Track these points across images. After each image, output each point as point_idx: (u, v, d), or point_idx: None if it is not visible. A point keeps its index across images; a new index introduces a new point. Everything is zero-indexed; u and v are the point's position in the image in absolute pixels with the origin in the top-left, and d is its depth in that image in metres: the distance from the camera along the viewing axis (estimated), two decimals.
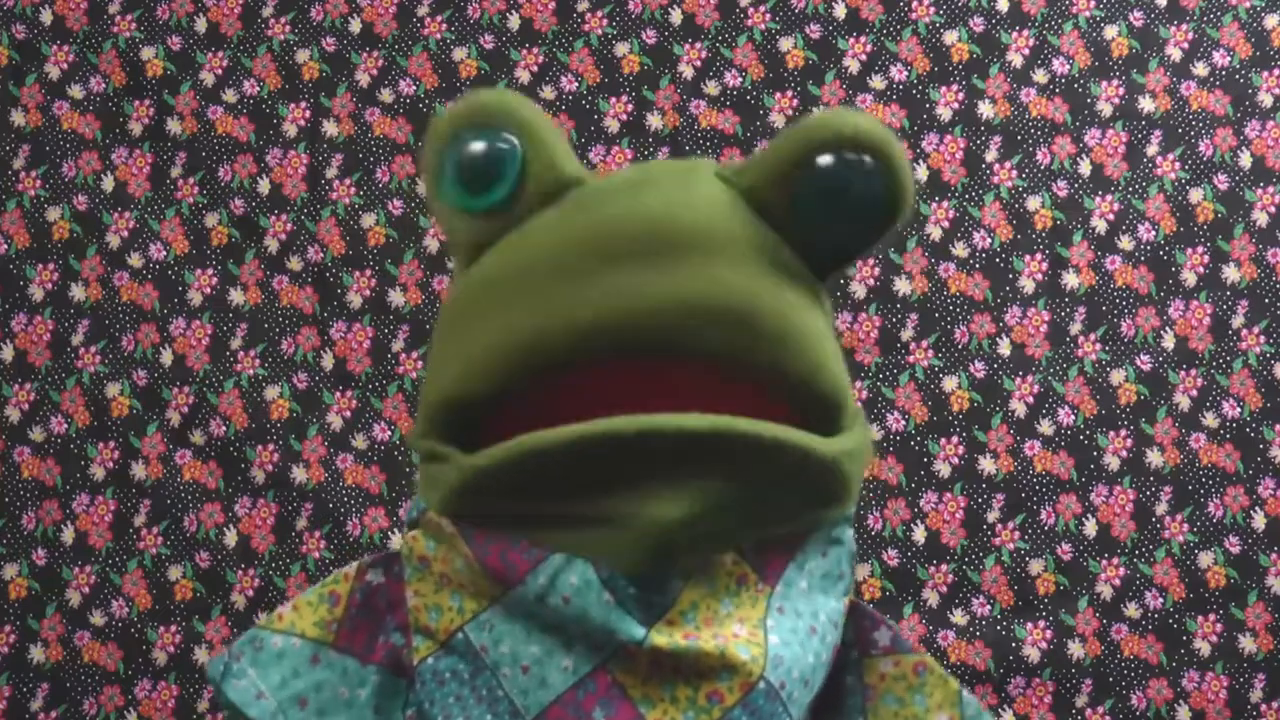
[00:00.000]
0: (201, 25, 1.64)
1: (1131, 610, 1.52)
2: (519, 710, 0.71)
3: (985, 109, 1.61)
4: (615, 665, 0.71)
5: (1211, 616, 1.51)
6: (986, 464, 1.55)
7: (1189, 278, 1.57)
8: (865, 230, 0.72)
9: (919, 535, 1.54)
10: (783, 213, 0.71)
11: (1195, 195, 1.59)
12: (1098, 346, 1.57)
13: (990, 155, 1.60)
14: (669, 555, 0.70)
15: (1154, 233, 1.58)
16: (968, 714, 0.77)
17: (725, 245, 0.69)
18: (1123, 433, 1.55)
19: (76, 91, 1.63)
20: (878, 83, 1.62)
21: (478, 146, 0.71)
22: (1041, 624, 1.52)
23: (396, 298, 1.59)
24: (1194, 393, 1.55)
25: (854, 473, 0.73)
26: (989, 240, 1.59)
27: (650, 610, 0.70)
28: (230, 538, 1.55)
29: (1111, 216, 1.59)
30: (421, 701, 0.73)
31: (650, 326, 0.68)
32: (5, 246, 1.61)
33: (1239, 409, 1.54)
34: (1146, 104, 1.60)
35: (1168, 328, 1.57)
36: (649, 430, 0.66)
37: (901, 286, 1.58)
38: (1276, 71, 1.60)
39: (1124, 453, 1.55)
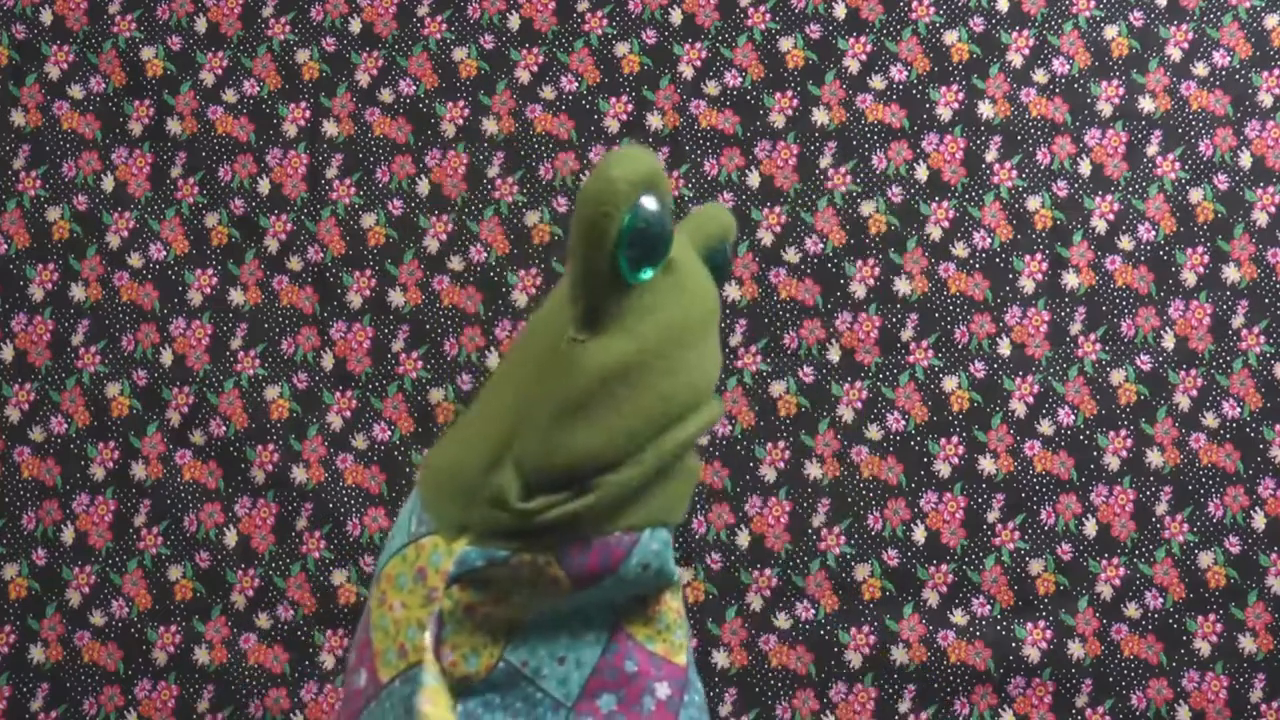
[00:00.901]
0: (201, 25, 1.64)
1: (1131, 610, 1.52)
2: (559, 701, 0.78)
3: (985, 109, 1.61)
4: (624, 621, 0.80)
5: (1211, 616, 1.51)
6: (986, 464, 1.55)
7: (1189, 278, 1.57)
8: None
9: (919, 535, 1.54)
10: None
11: (1195, 195, 1.58)
12: (1098, 346, 1.57)
13: (990, 155, 1.60)
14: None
15: (1154, 233, 1.58)
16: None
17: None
18: (1123, 433, 1.55)
19: (76, 91, 1.63)
20: (878, 83, 1.62)
21: (659, 222, 0.79)
22: (1041, 624, 1.52)
23: (396, 298, 1.59)
24: (1194, 393, 1.55)
25: None
26: (989, 240, 1.59)
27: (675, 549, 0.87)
28: (230, 538, 1.55)
29: (1111, 216, 1.59)
30: None
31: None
32: (5, 246, 1.61)
33: (1239, 409, 1.54)
34: (1146, 104, 1.60)
35: (1168, 328, 1.57)
36: (718, 415, 0.86)
37: (901, 286, 1.58)
38: (1276, 71, 1.60)
39: (1124, 453, 1.55)
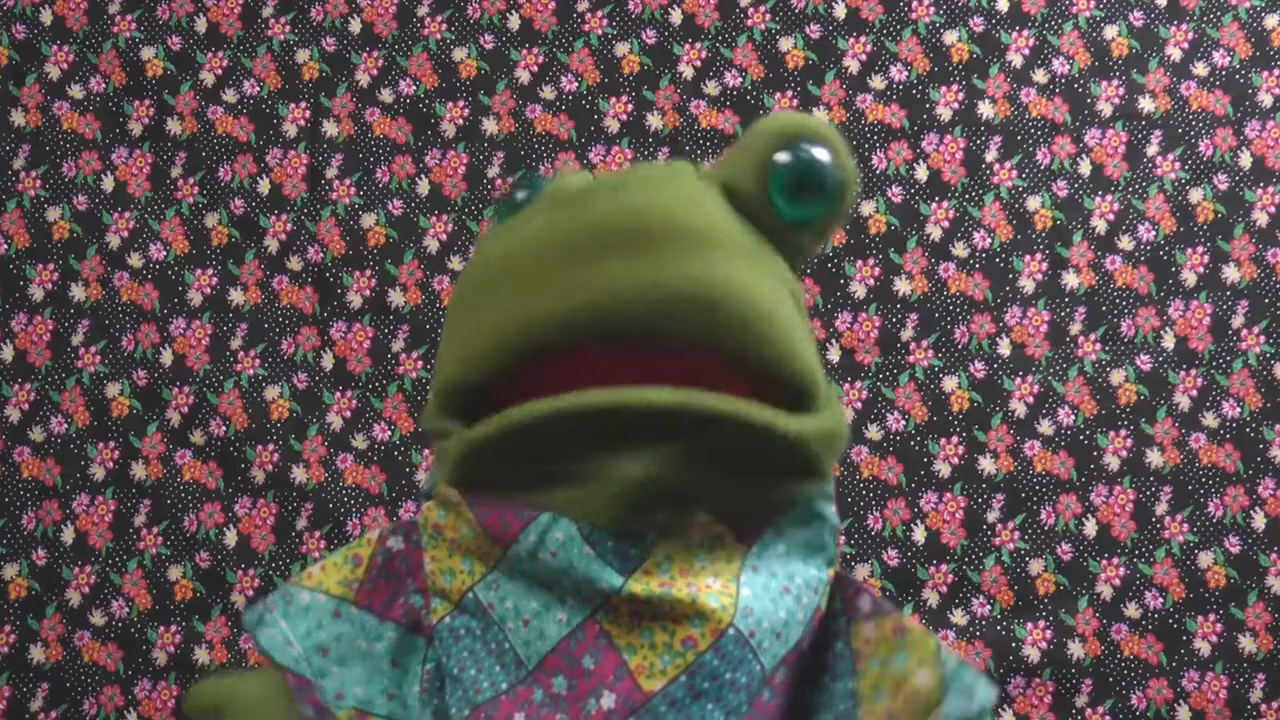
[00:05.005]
0: (201, 25, 1.65)
1: (1131, 610, 1.52)
2: (522, 660, 0.77)
3: (985, 109, 1.61)
4: (603, 616, 0.76)
5: (1211, 616, 1.51)
6: (986, 464, 1.55)
7: (1189, 278, 1.58)
8: (827, 208, 0.82)
9: (919, 535, 1.54)
10: (757, 201, 0.79)
11: (1195, 195, 1.59)
12: (1098, 346, 1.57)
13: (990, 155, 1.60)
14: (640, 509, 0.76)
15: (1154, 233, 1.58)
16: (947, 669, 0.80)
17: (699, 238, 0.76)
18: (1123, 433, 1.55)
19: (76, 91, 1.63)
20: (878, 83, 1.62)
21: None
22: (1041, 624, 1.52)
23: (396, 298, 1.59)
24: (1194, 393, 1.55)
25: (822, 450, 0.79)
26: (989, 240, 1.59)
27: (628, 562, 0.76)
28: (230, 538, 1.55)
29: (1111, 216, 1.59)
30: (440, 656, 0.79)
31: (626, 315, 0.74)
32: (5, 246, 1.61)
33: (1239, 409, 1.54)
34: (1146, 104, 1.60)
35: (1168, 328, 1.57)
36: (618, 404, 0.73)
37: (901, 286, 1.58)
38: (1276, 71, 1.60)
39: (1124, 453, 1.55)
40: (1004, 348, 1.57)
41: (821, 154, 0.80)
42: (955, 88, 1.62)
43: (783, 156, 0.79)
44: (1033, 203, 1.59)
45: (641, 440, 0.74)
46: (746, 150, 0.80)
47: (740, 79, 1.63)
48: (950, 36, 1.63)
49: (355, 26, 1.65)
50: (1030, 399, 1.56)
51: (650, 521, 0.77)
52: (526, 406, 0.74)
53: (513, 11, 1.64)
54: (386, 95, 1.63)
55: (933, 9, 1.63)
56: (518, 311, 0.75)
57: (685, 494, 0.77)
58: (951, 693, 0.78)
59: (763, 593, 0.79)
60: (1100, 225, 1.59)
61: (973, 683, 0.79)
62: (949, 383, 1.57)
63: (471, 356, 0.77)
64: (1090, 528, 1.54)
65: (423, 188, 1.62)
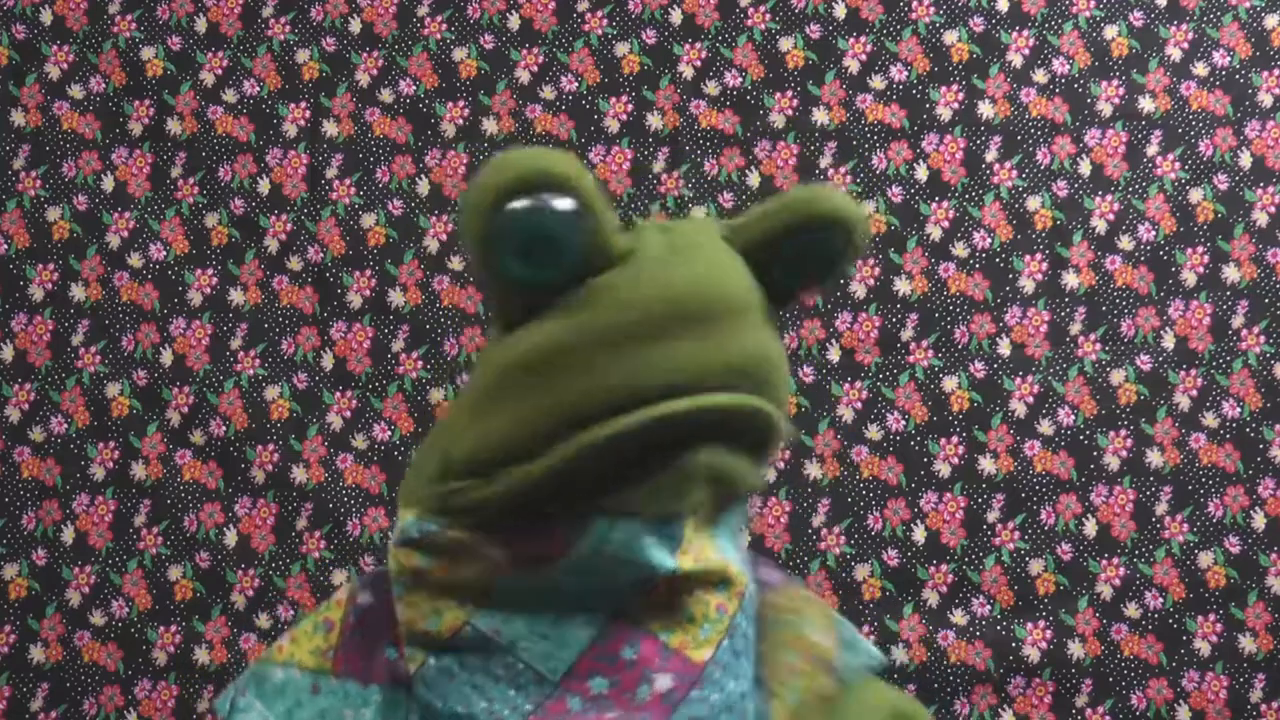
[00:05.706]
0: (201, 25, 1.65)
1: (1131, 610, 1.52)
2: (543, 675, 0.77)
3: (985, 109, 1.61)
4: (630, 608, 0.79)
5: (1211, 616, 1.51)
6: (986, 464, 1.55)
7: (1189, 278, 1.57)
8: (825, 280, 0.89)
9: (919, 535, 1.54)
10: (766, 267, 0.84)
11: (1195, 195, 1.59)
12: (1098, 346, 1.57)
13: (990, 155, 1.60)
14: (696, 494, 0.79)
15: (1154, 233, 1.58)
16: (844, 634, 0.90)
17: (747, 309, 0.81)
18: (1123, 433, 1.55)
19: (76, 91, 1.63)
20: (878, 83, 1.62)
21: (542, 220, 0.76)
22: (1041, 624, 1.52)
23: (396, 298, 1.59)
24: (1194, 393, 1.55)
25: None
26: (989, 240, 1.59)
27: (672, 544, 0.79)
28: (230, 538, 1.55)
29: (1111, 216, 1.59)
30: (428, 701, 0.78)
31: (702, 386, 0.77)
32: (5, 246, 1.61)
33: (1239, 409, 1.54)
34: (1146, 104, 1.60)
35: (1168, 328, 1.57)
36: (703, 407, 0.77)
37: (901, 286, 1.58)
38: (1276, 71, 1.60)
39: (1124, 453, 1.55)
40: (1004, 348, 1.57)
41: (833, 233, 0.84)
42: (955, 88, 1.62)
43: (791, 237, 0.84)
44: (1033, 203, 1.59)
45: (714, 435, 0.78)
46: (765, 221, 0.85)
47: (740, 79, 1.62)
48: (950, 36, 1.63)
49: (355, 26, 1.65)
50: (1030, 399, 1.56)
51: (692, 504, 0.81)
52: (606, 425, 0.75)
53: (513, 11, 1.64)
54: (386, 95, 1.63)
55: (933, 9, 1.63)
56: (595, 391, 0.76)
57: (724, 477, 0.81)
58: (844, 649, 0.89)
59: (736, 558, 0.85)
60: (1100, 225, 1.59)
61: (859, 642, 0.91)
62: (949, 383, 1.57)
63: (527, 433, 0.77)
64: (1090, 528, 1.54)
65: (423, 188, 1.62)
